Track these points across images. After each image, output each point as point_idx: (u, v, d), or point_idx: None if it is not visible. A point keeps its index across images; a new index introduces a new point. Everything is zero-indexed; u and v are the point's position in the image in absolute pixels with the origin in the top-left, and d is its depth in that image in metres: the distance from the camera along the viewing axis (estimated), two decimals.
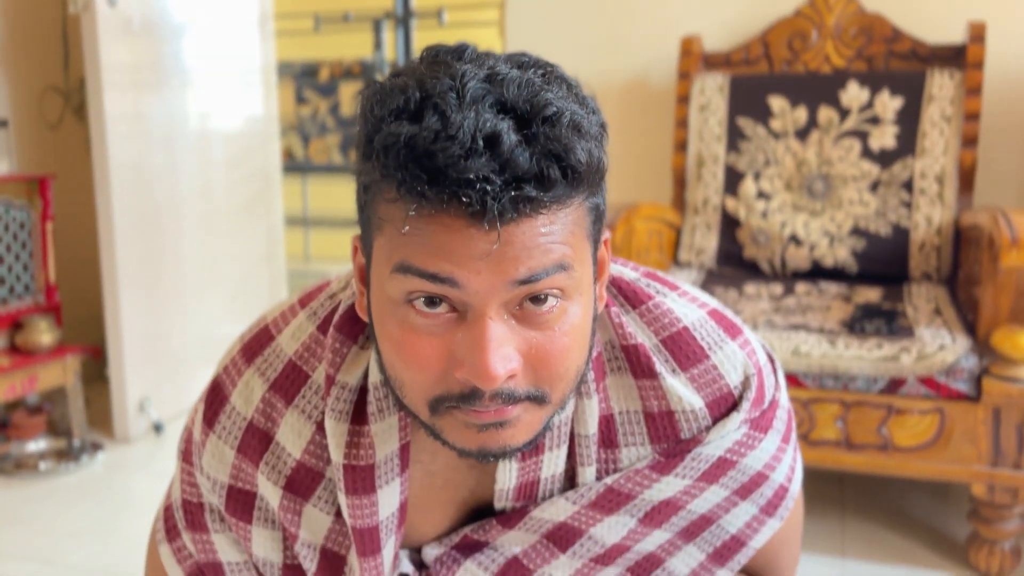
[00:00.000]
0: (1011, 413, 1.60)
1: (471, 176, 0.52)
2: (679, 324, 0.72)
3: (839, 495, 2.07)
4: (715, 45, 2.50)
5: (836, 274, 2.17)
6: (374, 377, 0.69)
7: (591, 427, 0.70)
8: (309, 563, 0.75)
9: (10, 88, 2.70)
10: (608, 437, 0.72)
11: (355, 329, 0.71)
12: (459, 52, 0.59)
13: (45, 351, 2.44)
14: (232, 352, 0.78)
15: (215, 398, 0.76)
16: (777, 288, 2.06)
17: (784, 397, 0.77)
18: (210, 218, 2.86)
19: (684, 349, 0.71)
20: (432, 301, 0.56)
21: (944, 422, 1.64)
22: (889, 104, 2.16)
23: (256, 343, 0.76)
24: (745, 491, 0.75)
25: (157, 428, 2.58)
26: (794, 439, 0.80)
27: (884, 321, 1.73)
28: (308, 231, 5.23)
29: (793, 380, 1.70)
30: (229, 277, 2.98)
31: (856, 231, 2.15)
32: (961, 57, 2.19)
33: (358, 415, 0.70)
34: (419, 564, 0.78)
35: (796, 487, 0.81)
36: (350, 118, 4.70)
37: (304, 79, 4.72)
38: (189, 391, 2.77)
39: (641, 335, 0.72)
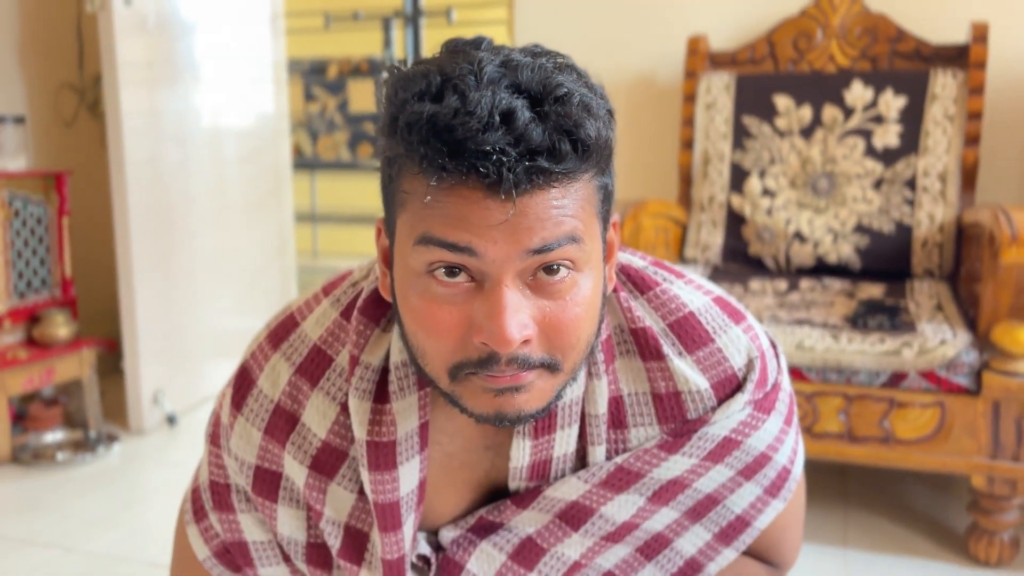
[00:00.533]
0: (1010, 406, 1.63)
1: (488, 148, 0.56)
2: (685, 309, 0.75)
3: (842, 487, 2.10)
4: (721, 44, 2.53)
5: (840, 270, 2.19)
6: (395, 357, 0.73)
7: (601, 407, 0.74)
8: (333, 540, 0.79)
9: (27, 85, 2.75)
10: (617, 418, 0.75)
11: (378, 312, 0.75)
12: (476, 43, 0.64)
13: (61, 344, 2.48)
14: (259, 339, 0.81)
15: (243, 382, 0.80)
16: (781, 284, 2.09)
17: (786, 381, 0.80)
18: (222, 214, 2.90)
19: (690, 333, 0.74)
20: (452, 271, 0.60)
21: (945, 415, 1.67)
22: (893, 103, 2.19)
23: (282, 329, 0.80)
24: (749, 471, 0.78)
25: (171, 420, 2.62)
26: (795, 422, 0.83)
27: (886, 316, 1.75)
28: (316, 227, 5.27)
29: (797, 374, 1.73)
30: (241, 272, 3.02)
31: (859, 228, 2.17)
32: (964, 57, 2.21)
33: (380, 394, 0.74)
34: (436, 546, 0.81)
35: (798, 470, 0.84)
36: (358, 115, 4.73)
37: (312, 76, 4.75)
38: (202, 384, 2.81)
39: (649, 319, 0.75)
